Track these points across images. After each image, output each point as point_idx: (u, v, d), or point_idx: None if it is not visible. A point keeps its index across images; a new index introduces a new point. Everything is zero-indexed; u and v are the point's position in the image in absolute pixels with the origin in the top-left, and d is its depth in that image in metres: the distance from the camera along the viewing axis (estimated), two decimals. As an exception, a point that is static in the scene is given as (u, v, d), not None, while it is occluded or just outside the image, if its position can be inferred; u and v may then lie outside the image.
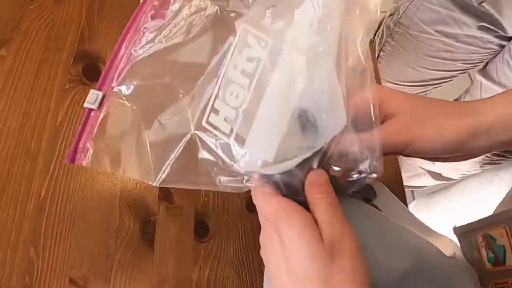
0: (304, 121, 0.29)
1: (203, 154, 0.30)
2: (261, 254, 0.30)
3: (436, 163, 0.91)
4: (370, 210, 0.36)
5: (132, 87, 0.32)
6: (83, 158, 0.32)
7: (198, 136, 0.31)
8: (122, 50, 0.34)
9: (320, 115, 0.28)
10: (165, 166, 0.30)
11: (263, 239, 0.30)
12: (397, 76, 0.81)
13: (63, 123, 0.55)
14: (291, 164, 0.28)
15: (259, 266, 0.50)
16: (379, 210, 0.37)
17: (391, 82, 0.83)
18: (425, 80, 0.78)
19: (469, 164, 0.83)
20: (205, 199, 0.53)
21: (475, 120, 0.31)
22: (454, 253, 0.38)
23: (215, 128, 0.30)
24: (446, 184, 0.93)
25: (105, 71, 0.33)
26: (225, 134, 0.30)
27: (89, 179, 0.52)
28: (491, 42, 0.67)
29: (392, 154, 0.33)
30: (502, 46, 0.68)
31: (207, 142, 0.30)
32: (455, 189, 0.84)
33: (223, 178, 0.30)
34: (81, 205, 0.50)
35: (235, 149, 0.30)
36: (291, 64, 0.29)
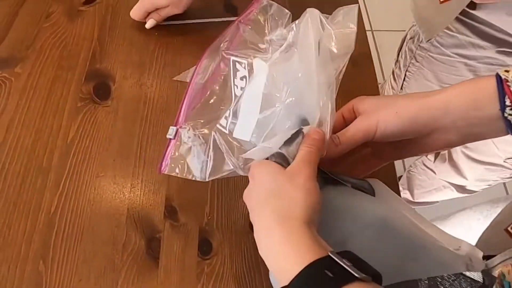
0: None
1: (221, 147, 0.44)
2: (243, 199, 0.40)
3: (467, 175, 0.92)
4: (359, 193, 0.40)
5: (192, 122, 0.49)
6: (164, 169, 0.48)
7: (216, 135, 0.45)
8: (186, 100, 0.51)
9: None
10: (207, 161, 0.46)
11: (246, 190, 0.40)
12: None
13: (74, 140, 0.57)
14: (275, 141, 0.38)
15: (261, 283, 0.51)
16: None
17: None
18: None
19: (495, 174, 0.84)
20: (209, 218, 0.54)
21: (426, 98, 0.38)
22: (459, 247, 0.38)
23: (221, 125, 0.45)
24: (443, 215, 0.95)
25: (179, 111, 0.51)
26: (224, 128, 0.44)
27: (97, 196, 0.54)
28: (510, 62, 0.68)
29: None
30: None
31: (220, 137, 0.45)
32: (454, 220, 0.85)
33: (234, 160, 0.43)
34: (89, 221, 0.52)
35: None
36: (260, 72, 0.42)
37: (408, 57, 0.80)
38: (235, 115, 0.44)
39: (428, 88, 0.80)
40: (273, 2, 0.50)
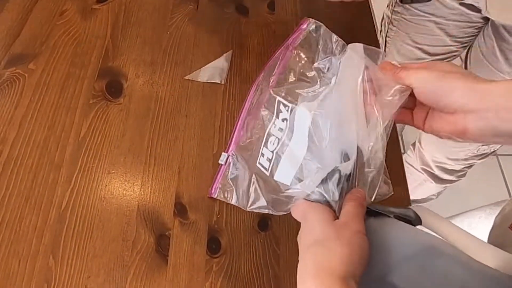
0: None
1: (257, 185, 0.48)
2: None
3: (437, 152, 0.93)
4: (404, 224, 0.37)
5: (240, 152, 0.53)
6: (213, 193, 0.53)
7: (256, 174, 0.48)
8: (238, 127, 0.55)
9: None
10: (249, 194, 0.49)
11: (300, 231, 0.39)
12: (405, 57, 0.84)
13: (86, 137, 0.56)
14: (311, 182, 0.38)
15: (269, 282, 0.50)
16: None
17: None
18: (431, 55, 0.81)
19: (462, 149, 0.87)
20: (218, 216, 0.54)
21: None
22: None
23: (262, 166, 0.46)
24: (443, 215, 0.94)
25: (230, 139, 0.56)
26: (266, 169, 0.45)
27: (108, 193, 0.53)
28: (475, 18, 0.70)
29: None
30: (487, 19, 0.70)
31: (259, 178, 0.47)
32: (455, 219, 0.84)
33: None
34: (100, 218, 0.51)
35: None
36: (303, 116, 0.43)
37: (386, 23, 0.83)
38: (278, 157, 0.45)
39: (407, 52, 0.83)
40: (321, 24, 0.49)
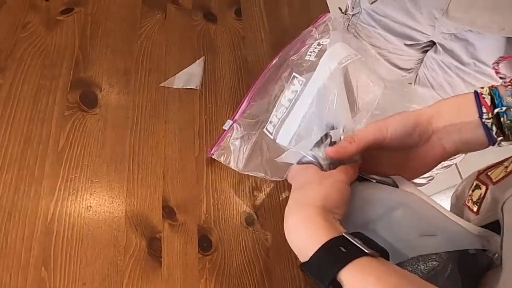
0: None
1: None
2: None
3: None
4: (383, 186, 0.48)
5: (245, 120, 0.63)
6: (213, 153, 0.62)
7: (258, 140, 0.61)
8: (246, 99, 0.65)
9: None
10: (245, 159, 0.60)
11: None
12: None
13: (65, 148, 0.61)
14: (305, 144, 0.48)
15: (261, 275, 0.58)
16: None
17: None
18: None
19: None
20: (206, 215, 0.60)
21: (422, 109, 0.47)
22: (479, 232, 0.47)
23: (268, 131, 0.58)
24: None
25: (238, 108, 0.65)
26: (271, 133, 0.57)
27: (94, 201, 0.58)
28: (416, 54, 0.82)
29: (375, 141, 0.46)
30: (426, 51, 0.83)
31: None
32: None
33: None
34: (88, 226, 0.56)
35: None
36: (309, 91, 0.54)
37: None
38: (281, 123, 0.56)
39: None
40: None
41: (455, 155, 0.48)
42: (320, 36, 0.65)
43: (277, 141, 0.56)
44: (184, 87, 0.69)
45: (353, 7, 0.83)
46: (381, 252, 0.36)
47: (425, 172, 0.51)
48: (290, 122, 0.56)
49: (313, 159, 0.47)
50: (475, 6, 0.64)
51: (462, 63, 0.74)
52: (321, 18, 0.75)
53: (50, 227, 0.55)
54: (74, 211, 0.57)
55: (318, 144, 0.49)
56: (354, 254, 0.35)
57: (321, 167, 0.47)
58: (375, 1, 0.73)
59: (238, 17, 0.82)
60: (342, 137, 0.48)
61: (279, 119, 0.57)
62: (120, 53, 0.72)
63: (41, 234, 0.54)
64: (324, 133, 0.49)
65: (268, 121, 0.59)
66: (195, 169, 0.63)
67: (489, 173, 0.55)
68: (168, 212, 0.59)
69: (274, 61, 0.69)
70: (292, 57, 0.65)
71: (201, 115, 0.68)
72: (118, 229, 0.57)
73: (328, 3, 0.87)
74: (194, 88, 0.70)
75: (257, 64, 0.75)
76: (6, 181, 0.57)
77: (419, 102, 0.58)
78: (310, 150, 0.48)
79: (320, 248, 0.36)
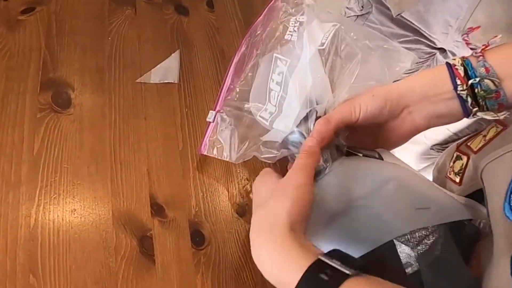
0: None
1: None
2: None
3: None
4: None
5: (228, 108, 0.62)
6: (203, 150, 0.61)
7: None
8: (224, 87, 0.64)
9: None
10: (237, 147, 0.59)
11: None
12: None
13: (41, 152, 0.59)
14: (291, 122, 0.50)
15: (257, 264, 0.58)
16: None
17: None
18: None
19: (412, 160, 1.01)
20: (196, 210, 0.60)
21: (396, 83, 0.49)
22: (465, 201, 0.49)
23: (263, 118, 0.55)
24: None
25: (217, 98, 0.63)
26: (267, 120, 0.55)
27: (77, 204, 0.57)
28: (423, 51, 0.84)
29: (348, 120, 0.48)
30: (430, 53, 0.86)
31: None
32: None
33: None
34: (74, 230, 0.55)
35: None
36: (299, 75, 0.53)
37: None
38: (279, 109, 0.54)
39: None
40: None
41: (427, 128, 0.50)
42: (293, 10, 0.64)
43: (273, 125, 0.54)
44: (161, 82, 0.69)
45: (362, 7, 0.84)
46: (361, 268, 0.35)
47: (398, 145, 0.53)
48: (287, 108, 0.54)
49: (300, 138, 0.49)
50: (493, 25, 0.64)
51: None
52: None
53: (33, 234, 0.53)
54: (57, 216, 0.55)
55: (305, 120, 0.50)
56: (337, 280, 0.33)
57: None
58: (400, 13, 0.73)
59: (210, 8, 0.82)
60: (326, 111, 0.50)
61: (274, 105, 0.56)
62: (90, 51, 0.71)
63: (25, 241, 0.53)
64: (309, 109, 0.50)
65: (263, 108, 0.57)
66: (180, 163, 0.63)
67: (468, 143, 0.58)
68: (157, 209, 0.59)
69: (244, 42, 0.68)
70: (266, 37, 0.64)
71: (181, 109, 0.68)
72: (106, 231, 0.56)
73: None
74: (172, 82, 0.69)
75: (234, 53, 0.76)
76: (-20, 190, 0.55)
77: (405, 60, 0.59)
78: (296, 127, 0.50)
79: (299, 282, 0.34)
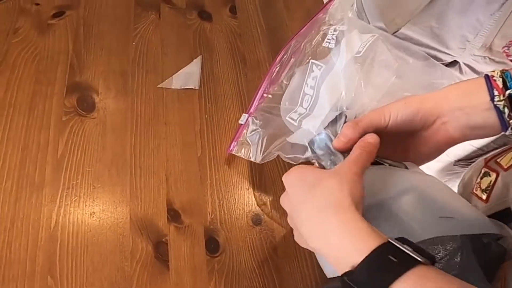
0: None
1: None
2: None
3: None
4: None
5: (260, 112, 0.65)
6: (232, 149, 0.64)
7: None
8: (260, 92, 0.67)
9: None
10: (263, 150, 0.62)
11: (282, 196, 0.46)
12: None
13: (64, 154, 0.62)
14: (322, 123, 0.50)
15: (271, 275, 0.59)
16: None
17: None
18: None
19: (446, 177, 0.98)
20: (212, 216, 0.62)
21: (429, 93, 0.48)
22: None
23: (292, 119, 0.58)
24: None
25: (251, 103, 0.67)
26: (295, 120, 0.57)
27: (96, 207, 0.59)
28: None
29: (378, 125, 0.47)
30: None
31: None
32: None
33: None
34: (92, 232, 0.57)
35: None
36: (332, 80, 0.56)
37: None
38: (310, 112, 0.56)
39: None
40: None
41: (462, 141, 0.49)
42: (335, 22, 0.67)
43: (302, 125, 0.55)
44: (182, 87, 0.71)
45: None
46: (432, 260, 0.34)
47: (430, 159, 0.52)
48: (317, 110, 0.56)
49: (326, 138, 0.49)
50: None
51: None
52: (329, 4, 0.76)
53: (54, 235, 0.56)
54: (77, 218, 0.58)
55: (333, 123, 0.50)
56: (407, 264, 0.33)
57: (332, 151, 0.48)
58: (397, 30, 0.72)
59: (233, 14, 0.84)
60: (356, 117, 0.50)
61: (306, 108, 0.58)
62: (115, 55, 0.73)
63: (45, 243, 0.56)
64: (339, 112, 0.50)
65: (293, 111, 0.59)
66: (198, 170, 0.65)
67: (498, 160, 0.57)
68: (173, 215, 0.61)
69: (283, 53, 0.70)
70: (305, 45, 0.66)
71: (201, 115, 0.69)
72: (123, 234, 0.58)
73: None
74: (193, 88, 0.71)
75: (255, 60, 0.77)
76: (6, 190, 0.58)
77: (444, 77, 0.58)
78: (324, 128, 0.50)
79: (366, 258, 0.34)
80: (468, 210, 0.48)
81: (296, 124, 0.55)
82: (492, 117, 0.45)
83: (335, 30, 0.60)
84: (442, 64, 0.77)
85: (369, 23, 0.80)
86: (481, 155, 0.79)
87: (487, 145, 0.77)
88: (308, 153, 0.53)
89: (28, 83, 0.68)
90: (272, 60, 0.73)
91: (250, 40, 0.80)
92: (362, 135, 0.47)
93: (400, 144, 0.52)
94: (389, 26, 0.71)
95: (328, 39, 0.60)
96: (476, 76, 0.73)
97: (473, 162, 0.84)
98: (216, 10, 0.84)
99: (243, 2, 0.86)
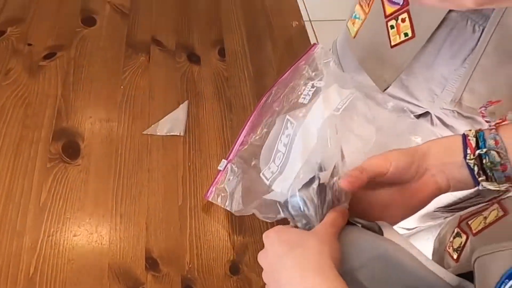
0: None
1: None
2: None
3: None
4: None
5: (239, 160, 0.67)
6: (209, 196, 0.66)
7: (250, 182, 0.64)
8: (240, 138, 0.70)
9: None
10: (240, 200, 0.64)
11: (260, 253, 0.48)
12: None
13: (47, 202, 0.65)
14: (295, 184, 0.51)
15: (245, 327, 0.61)
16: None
17: None
18: None
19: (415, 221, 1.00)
20: (189, 266, 0.64)
21: (417, 146, 0.52)
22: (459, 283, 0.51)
23: (264, 177, 0.60)
24: None
25: (231, 149, 0.70)
26: (267, 179, 0.59)
27: (75, 254, 0.61)
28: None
29: (380, 172, 0.50)
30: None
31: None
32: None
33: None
34: (71, 279, 0.59)
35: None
36: (305, 139, 0.58)
37: None
38: (281, 170, 0.58)
39: None
40: (327, 50, 0.71)
41: (447, 191, 0.53)
42: (313, 74, 0.69)
43: (273, 186, 0.58)
44: (168, 134, 0.73)
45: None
46: None
47: (418, 209, 0.55)
48: (288, 169, 0.58)
49: (300, 202, 0.51)
50: (494, 93, 0.64)
51: None
52: (311, 49, 0.79)
53: (32, 281, 0.58)
54: (56, 265, 0.60)
55: (307, 185, 0.52)
56: None
57: (307, 209, 0.51)
58: (388, 87, 0.75)
59: (221, 57, 0.86)
60: (332, 179, 0.52)
61: (277, 165, 0.61)
62: (103, 99, 0.76)
63: (24, 290, 0.58)
64: (312, 175, 0.52)
65: (267, 167, 0.62)
66: (178, 219, 0.67)
67: (469, 222, 0.59)
68: (151, 263, 0.63)
69: (265, 97, 0.73)
70: (285, 96, 0.69)
71: (184, 162, 0.72)
72: (101, 282, 0.60)
73: (309, 38, 0.92)
74: (178, 134, 0.74)
75: (241, 105, 0.80)
76: (-12, 237, 0.61)
77: (422, 135, 0.61)
78: (298, 190, 0.52)
79: None
80: (434, 278, 0.50)
81: (268, 183, 0.57)
82: (466, 174, 0.50)
83: (312, 86, 0.63)
84: (415, 115, 0.79)
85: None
86: (458, 203, 0.81)
87: (464, 195, 0.79)
88: (284, 213, 0.55)
89: (16, 127, 0.70)
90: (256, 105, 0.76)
91: (237, 84, 0.83)
92: (367, 179, 0.50)
93: (390, 196, 0.54)
94: (378, 84, 0.73)
95: (304, 95, 0.63)
96: (446, 128, 0.76)
97: (452, 209, 0.86)
98: (205, 52, 0.87)
99: (232, 44, 0.89)
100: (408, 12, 0.63)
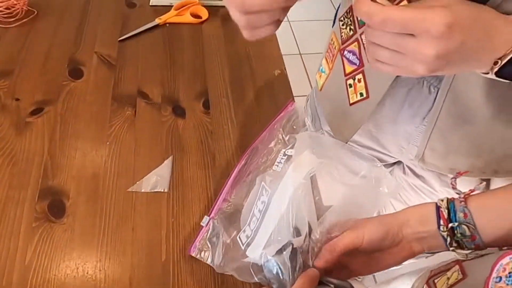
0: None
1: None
2: None
3: None
4: None
5: (221, 216, 0.71)
6: (192, 251, 0.69)
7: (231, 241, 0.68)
8: (222, 195, 0.74)
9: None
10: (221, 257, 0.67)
11: None
12: None
13: (32, 261, 0.66)
14: (270, 249, 0.56)
15: None
16: None
17: None
18: None
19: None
20: (172, 326, 0.66)
21: (395, 214, 0.58)
22: None
23: (240, 240, 0.65)
24: None
25: (213, 206, 0.74)
26: (243, 244, 0.64)
27: (60, 317, 0.63)
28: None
29: (353, 246, 0.55)
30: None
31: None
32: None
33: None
34: None
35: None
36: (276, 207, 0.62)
37: None
38: (255, 234, 0.62)
39: None
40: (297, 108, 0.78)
41: (421, 253, 0.58)
42: (287, 138, 0.74)
43: (247, 253, 0.62)
44: (152, 191, 0.76)
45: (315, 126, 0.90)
46: None
47: (392, 266, 0.59)
48: (260, 236, 0.62)
49: (275, 266, 0.55)
50: (453, 152, 0.68)
51: (435, 189, 0.79)
52: (287, 108, 0.84)
53: None
54: (40, 330, 0.62)
55: (280, 251, 0.56)
56: None
57: (281, 274, 0.54)
58: (348, 140, 0.78)
59: (206, 109, 0.90)
60: (304, 243, 0.57)
61: (252, 230, 0.65)
62: (89, 155, 0.79)
63: None
64: (287, 240, 0.56)
65: (242, 230, 0.66)
66: (162, 275, 0.69)
67: (436, 281, 0.62)
68: (137, 316, 0.65)
69: (244, 156, 0.77)
70: (260, 162, 0.73)
71: (168, 219, 0.74)
72: None
73: (292, 90, 0.95)
74: (162, 191, 0.76)
75: (225, 160, 0.83)
76: (-27, 301, 0.62)
77: (389, 188, 0.65)
78: (272, 256, 0.55)
79: None
80: None
81: (242, 248, 0.61)
82: (440, 241, 0.55)
83: (284, 154, 0.67)
84: (388, 164, 0.83)
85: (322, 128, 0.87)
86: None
87: None
88: (260, 277, 0.58)
89: (2, 188, 0.73)
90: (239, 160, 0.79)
91: (221, 138, 0.86)
92: (340, 256, 0.55)
93: (366, 260, 0.59)
94: (338, 138, 0.78)
95: (277, 162, 0.67)
96: (417, 178, 0.80)
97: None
98: (190, 105, 0.90)
99: (216, 96, 0.93)
100: (363, 73, 0.67)
